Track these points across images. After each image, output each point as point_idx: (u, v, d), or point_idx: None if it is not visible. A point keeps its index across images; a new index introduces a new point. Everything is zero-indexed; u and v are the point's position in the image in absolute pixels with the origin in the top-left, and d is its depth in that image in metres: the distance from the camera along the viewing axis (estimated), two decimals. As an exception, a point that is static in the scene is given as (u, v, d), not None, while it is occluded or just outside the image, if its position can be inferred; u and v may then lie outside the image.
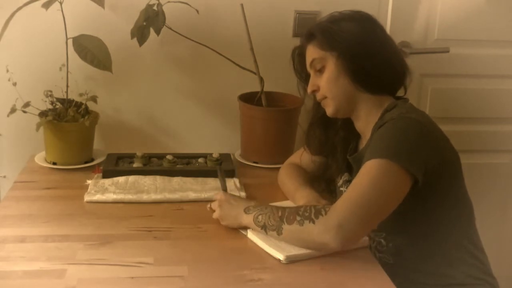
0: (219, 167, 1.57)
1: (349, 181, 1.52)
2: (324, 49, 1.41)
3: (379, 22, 1.45)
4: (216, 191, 1.58)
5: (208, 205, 1.46)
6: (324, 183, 1.59)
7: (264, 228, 1.31)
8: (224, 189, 1.51)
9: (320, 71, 1.43)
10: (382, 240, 1.42)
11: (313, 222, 1.23)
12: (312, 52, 1.44)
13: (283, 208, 1.32)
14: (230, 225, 1.40)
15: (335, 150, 1.54)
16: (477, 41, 2.12)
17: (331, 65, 1.40)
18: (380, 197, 1.24)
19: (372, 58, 1.38)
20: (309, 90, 1.47)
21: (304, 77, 1.53)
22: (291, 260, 1.25)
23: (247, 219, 1.35)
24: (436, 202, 1.35)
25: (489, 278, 1.42)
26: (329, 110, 1.45)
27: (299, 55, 1.52)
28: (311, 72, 1.46)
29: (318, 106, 1.51)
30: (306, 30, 1.48)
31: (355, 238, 1.24)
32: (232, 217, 1.39)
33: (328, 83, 1.42)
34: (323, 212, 1.24)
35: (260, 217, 1.33)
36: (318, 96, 1.46)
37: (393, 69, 1.42)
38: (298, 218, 1.26)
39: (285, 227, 1.28)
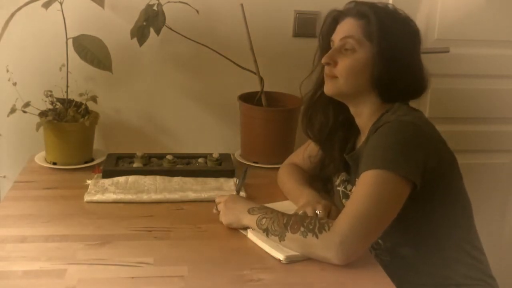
0: (247, 169, 1.56)
1: (346, 181, 1.52)
2: (368, 36, 1.34)
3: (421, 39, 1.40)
4: (216, 191, 1.58)
5: (214, 208, 1.46)
6: (321, 182, 1.58)
7: (266, 232, 1.31)
8: (237, 191, 1.52)
9: (348, 50, 1.36)
10: (379, 240, 1.42)
11: (316, 237, 1.22)
12: (353, 29, 1.36)
13: (289, 215, 1.31)
14: (230, 223, 1.39)
15: (332, 148, 1.52)
16: (477, 41, 2.11)
17: (363, 55, 1.35)
18: (379, 210, 1.23)
19: (404, 72, 1.35)
20: (324, 60, 1.38)
21: (324, 45, 1.43)
22: (291, 260, 1.25)
23: (250, 219, 1.35)
24: (434, 204, 1.35)
25: (488, 279, 1.42)
26: (330, 90, 1.40)
27: (333, 19, 1.42)
28: (338, 45, 1.38)
29: (322, 81, 1.44)
30: (358, 4, 1.39)
31: (357, 253, 1.23)
32: (234, 215, 1.38)
33: (349, 69, 1.36)
34: (326, 228, 1.22)
35: (264, 220, 1.32)
36: (330, 71, 1.38)
37: (416, 88, 1.39)
38: (302, 229, 1.25)
39: (288, 235, 1.27)
